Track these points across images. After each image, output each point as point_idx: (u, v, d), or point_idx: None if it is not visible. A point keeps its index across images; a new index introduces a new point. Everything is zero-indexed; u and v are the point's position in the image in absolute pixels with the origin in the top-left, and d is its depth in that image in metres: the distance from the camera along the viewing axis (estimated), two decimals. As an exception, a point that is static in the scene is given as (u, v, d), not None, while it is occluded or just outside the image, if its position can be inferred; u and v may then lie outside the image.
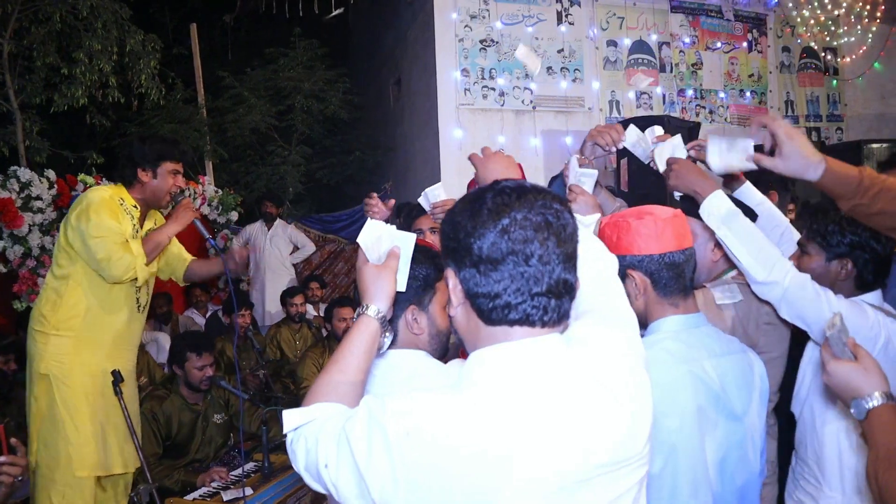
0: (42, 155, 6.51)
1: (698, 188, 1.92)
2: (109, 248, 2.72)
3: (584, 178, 2.03)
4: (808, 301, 1.81)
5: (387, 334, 1.29)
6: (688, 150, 2.05)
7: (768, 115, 2.16)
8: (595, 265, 1.32)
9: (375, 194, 2.89)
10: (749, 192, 2.24)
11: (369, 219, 1.45)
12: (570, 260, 1.05)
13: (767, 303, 1.91)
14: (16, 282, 5.16)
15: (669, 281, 1.58)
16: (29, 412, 2.88)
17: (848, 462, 1.82)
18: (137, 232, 2.93)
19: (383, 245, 1.38)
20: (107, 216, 2.76)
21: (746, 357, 1.64)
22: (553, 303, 1.04)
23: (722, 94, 7.74)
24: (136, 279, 2.83)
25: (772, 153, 1.72)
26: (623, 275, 1.60)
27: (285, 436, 1.17)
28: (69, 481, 2.74)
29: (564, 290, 1.05)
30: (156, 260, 2.99)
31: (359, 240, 1.38)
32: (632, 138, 2.14)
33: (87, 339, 2.83)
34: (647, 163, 2.15)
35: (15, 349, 4.34)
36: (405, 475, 0.96)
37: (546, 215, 1.03)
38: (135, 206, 2.94)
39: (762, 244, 1.85)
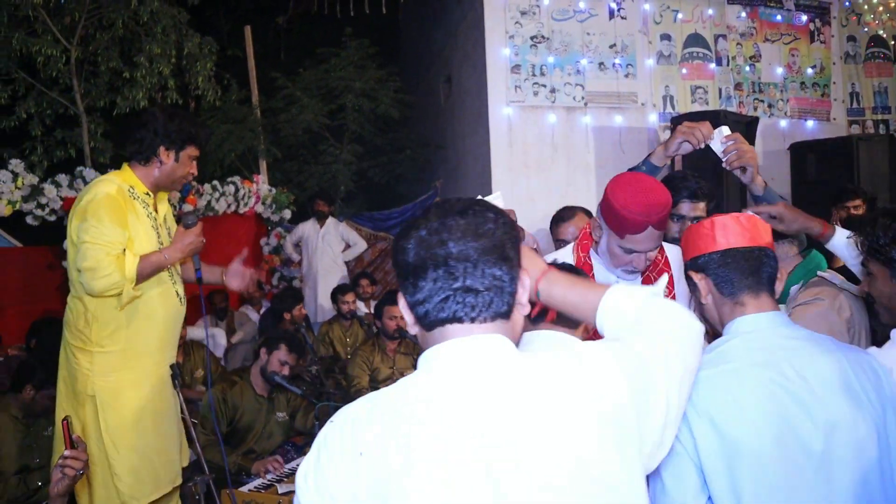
0: (106, 156, 6.76)
1: (811, 225, 2.05)
2: (99, 259, 2.37)
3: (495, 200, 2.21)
4: None
5: None
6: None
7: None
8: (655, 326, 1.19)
9: None
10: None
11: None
12: (490, 253, 1.06)
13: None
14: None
15: (731, 279, 1.49)
16: (55, 430, 2.66)
17: None
18: (155, 221, 2.66)
19: None
20: (108, 220, 2.42)
21: (852, 357, 1.44)
22: (479, 299, 1.05)
23: (781, 88, 7.48)
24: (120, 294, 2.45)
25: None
26: (690, 282, 1.58)
27: None
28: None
29: (491, 285, 1.06)
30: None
31: None
32: (717, 139, 2.18)
33: (135, 349, 2.56)
34: (723, 165, 2.20)
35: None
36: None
37: (460, 217, 1.07)
38: (147, 194, 2.63)
39: None
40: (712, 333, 1.55)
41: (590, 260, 2.19)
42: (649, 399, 1.07)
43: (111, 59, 6.47)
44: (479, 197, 2.77)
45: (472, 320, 1.06)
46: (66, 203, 5.20)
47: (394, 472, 0.97)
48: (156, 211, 2.70)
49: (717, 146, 2.18)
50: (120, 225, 2.46)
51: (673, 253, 2.25)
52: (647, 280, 2.21)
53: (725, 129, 2.15)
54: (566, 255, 2.23)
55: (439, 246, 1.05)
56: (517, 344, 1.13)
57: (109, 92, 6.68)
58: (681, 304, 2.18)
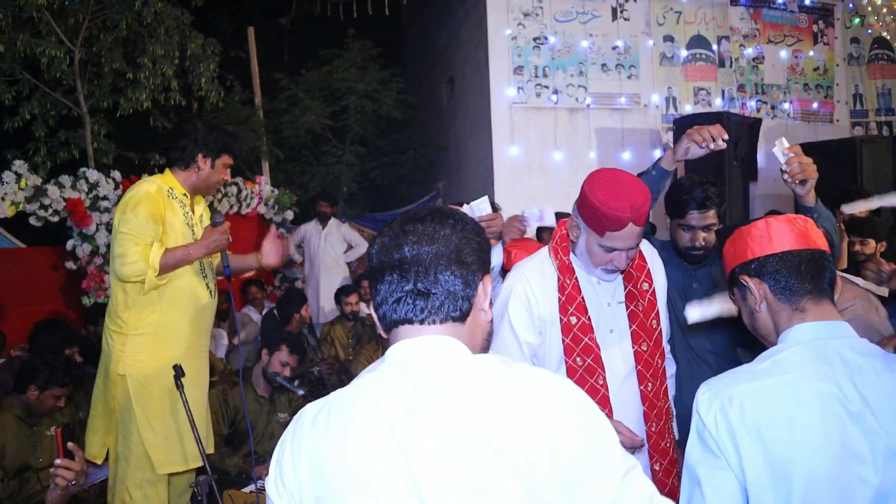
0: (109, 156, 6.77)
1: None
2: (128, 248, 2.67)
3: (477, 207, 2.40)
4: None
5: None
6: None
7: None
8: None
9: None
10: None
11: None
12: (443, 258, 1.08)
13: None
14: (84, 279, 5.38)
15: (790, 282, 1.38)
16: (91, 409, 2.92)
17: None
18: (192, 220, 2.93)
19: None
20: (144, 214, 2.71)
21: None
22: (429, 302, 1.08)
23: (785, 89, 7.47)
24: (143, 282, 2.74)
25: None
26: (741, 288, 1.47)
27: None
28: (147, 477, 2.79)
29: (442, 289, 1.08)
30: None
31: None
32: (779, 150, 2.19)
33: (166, 335, 2.81)
34: (784, 178, 2.18)
35: (80, 342, 4.52)
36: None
37: (419, 223, 1.10)
38: (185, 195, 2.92)
39: None
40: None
41: (570, 263, 2.14)
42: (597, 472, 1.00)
43: (115, 60, 6.48)
44: (468, 203, 2.78)
45: (422, 322, 1.09)
46: (69, 204, 5.22)
47: (329, 475, 1.01)
48: (192, 211, 2.98)
49: (779, 157, 2.16)
50: (154, 220, 2.74)
51: (646, 248, 2.27)
52: (629, 277, 2.17)
53: (785, 141, 2.15)
54: (543, 259, 2.18)
55: (396, 250, 1.09)
56: (484, 350, 1.14)
57: (113, 93, 6.69)
58: (660, 296, 2.21)
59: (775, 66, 7.47)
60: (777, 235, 1.40)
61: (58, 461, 1.97)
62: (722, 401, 1.28)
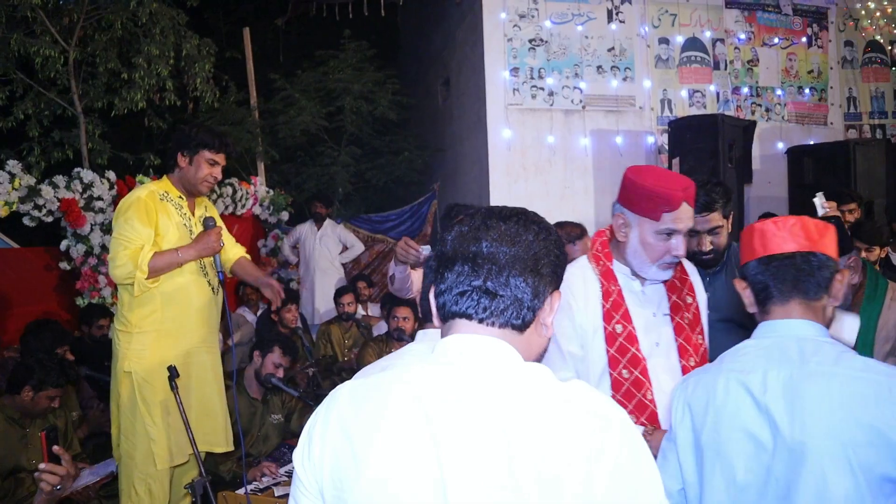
0: (103, 157, 6.74)
1: None
2: (116, 252, 2.79)
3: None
4: None
5: None
6: None
7: None
8: None
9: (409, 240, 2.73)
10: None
11: None
12: (520, 262, 1.05)
13: None
14: (78, 279, 5.36)
15: (766, 286, 1.47)
16: (111, 407, 3.01)
17: None
18: (190, 221, 3.00)
19: None
20: (136, 218, 2.81)
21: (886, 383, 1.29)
22: (494, 303, 1.05)
23: (779, 92, 7.50)
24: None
25: None
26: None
27: None
28: (152, 473, 2.86)
29: (511, 294, 1.05)
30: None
31: None
32: (818, 204, 2.25)
33: (168, 331, 2.90)
34: None
35: (70, 341, 4.51)
36: None
37: (503, 221, 1.08)
38: (180, 197, 3.00)
39: None
40: None
41: (614, 269, 2.04)
42: None
43: (109, 60, 6.46)
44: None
45: (481, 321, 1.06)
46: (63, 204, 5.20)
47: (356, 450, 1.00)
48: (192, 213, 3.04)
49: (819, 210, 2.25)
50: (145, 224, 2.82)
51: (685, 262, 2.17)
52: (672, 288, 2.07)
53: (822, 196, 2.21)
54: (582, 266, 2.06)
55: (473, 242, 1.06)
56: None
57: (107, 93, 6.66)
58: (702, 311, 2.13)
59: (770, 69, 7.50)
60: (758, 241, 1.49)
61: (42, 465, 1.94)
62: (681, 384, 1.55)
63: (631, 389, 1.95)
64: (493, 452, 0.95)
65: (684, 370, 2.00)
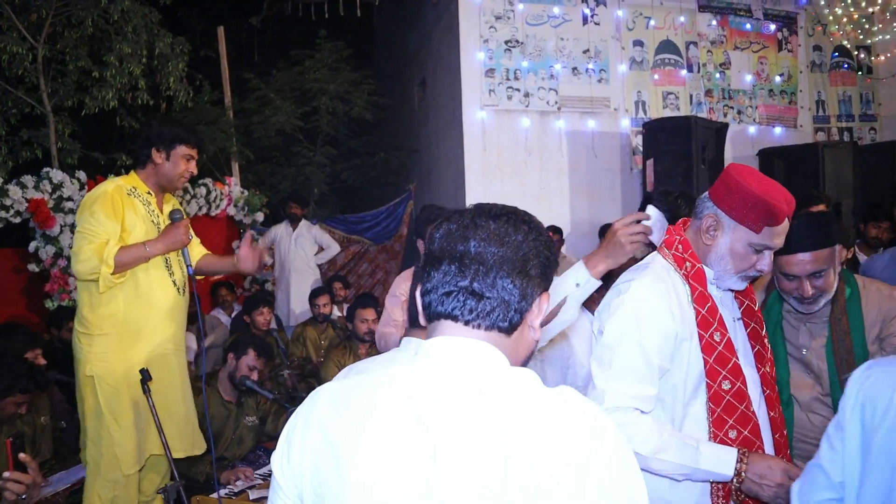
0: (74, 157, 6.62)
1: None
2: (80, 246, 2.69)
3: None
4: None
5: None
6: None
7: None
8: None
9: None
10: None
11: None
12: (508, 263, 1.03)
13: None
14: (48, 281, 5.26)
15: None
16: (80, 412, 2.91)
17: None
18: (158, 217, 2.91)
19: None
20: (102, 212, 2.72)
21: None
22: (481, 304, 1.02)
23: (750, 95, 7.62)
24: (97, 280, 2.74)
25: None
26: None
27: None
28: (117, 478, 2.77)
29: (497, 295, 1.03)
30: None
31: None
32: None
33: (130, 332, 2.80)
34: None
35: (42, 344, 4.41)
36: None
37: (492, 220, 1.06)
38: (149, 193, 2.90)
39: None
40: None
41: (703, 270, 1.82)
42: None
43: (80, 58, 6.35)
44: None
45: (467, 323, 1.03)
46: (31, 205, 5.10)
47: (338, 454, 0.98)
48: (160, 210, 2.95)
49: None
50: (111, 218, 2.72)
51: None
52: (741, 290, 1.89)
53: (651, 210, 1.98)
54: (660, 269, 1.81)
55: (461, 241, 1.04)
56: (523, 366, 1.09)
57: (78, 91, 6.55)
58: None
59: (741, 72, 7.62)
60: None
61: (6, 474, 1.89)
62: (862, 372, 1.36)
63: (732, 402, 1.75)
64: (490, 453, 0.93)
65: (763, 378, 1.86)
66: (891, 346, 2.03)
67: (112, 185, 2.81)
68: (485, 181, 6.88)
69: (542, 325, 1.67)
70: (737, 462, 1.66)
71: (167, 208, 2.99)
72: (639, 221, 1.86)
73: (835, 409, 2.03)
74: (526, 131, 6.95)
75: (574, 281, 1.82)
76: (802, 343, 2.16)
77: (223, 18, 9.81)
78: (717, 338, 1.75)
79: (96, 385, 2.75)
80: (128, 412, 2.78)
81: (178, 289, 2.95)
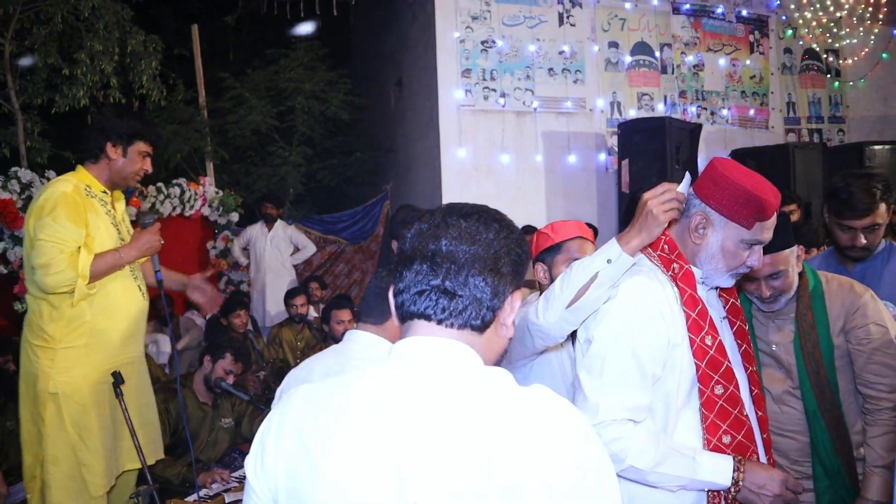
0: (43, 156, 6.50)
1: None
2: (52, 256, 2.44)
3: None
4: None
5: None
6: None
7: None
8: None
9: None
10: None
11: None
12: (480, 262, 1.04)
13: None
14: (16, 283, 5.15)
15: None
16: (22, 432, 2.65)
17: None
18: (114, 218, 2.73)
19: None
20: (66, 217, 2.47)
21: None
22: (453, 303, 1.03)
23: (723, 96, 7.73)
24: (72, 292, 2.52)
25: None
26: None
27: None
28: (86, 501, 2.57)
29: (470, 294, 1.03)
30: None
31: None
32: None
33: (97, 343, 2.61)
34: None
35: (12, 349, 4.32)
36: None
37: (463, 219, 1.06)
38: (104, 192, 2.70)
39: None
40: None
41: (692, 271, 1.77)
42: None
43: (49, 55, 6.23)
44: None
45: (440, 322, 1.04)
46: (-1, 205, 4.99)
47: (312, 457, 0.98)
48: (114, 209, 2.75)
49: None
50: (76, 223, 2.50)
51: None
52: (726, 289, 1.86)
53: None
54: (648, 271, 1.74)
55: (432, 240, 1.05)
56: (495, 363, 1.09)
57: (47, 89, 6.43)
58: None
59: (714, 74, 7.72)
60: None
61: None
62: None
63: (726, 407, 1.71)
64: (473, 453, 0.93)
65: (751, 377, 1.84)
66: (855, 339, 2.11)
67: (70, 186, 2.56)
68: (461, 181, 6.89)
69: (571, 303, 1.69)
70: (733, 471, 1.63)
71: (120, 206, 2.82)
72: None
73: (805, 401, 2.12)
74: (502, 131, 6.97)
75: (605, 257, 1.67)
76: (771, 339, 2.22)
77: (197, 17, 9.67)
78: (708, 342, 1.71)
79: (61, 403, 2.53)
80: (95, 431, 2.59)
81: (142, 294, 2.80)
